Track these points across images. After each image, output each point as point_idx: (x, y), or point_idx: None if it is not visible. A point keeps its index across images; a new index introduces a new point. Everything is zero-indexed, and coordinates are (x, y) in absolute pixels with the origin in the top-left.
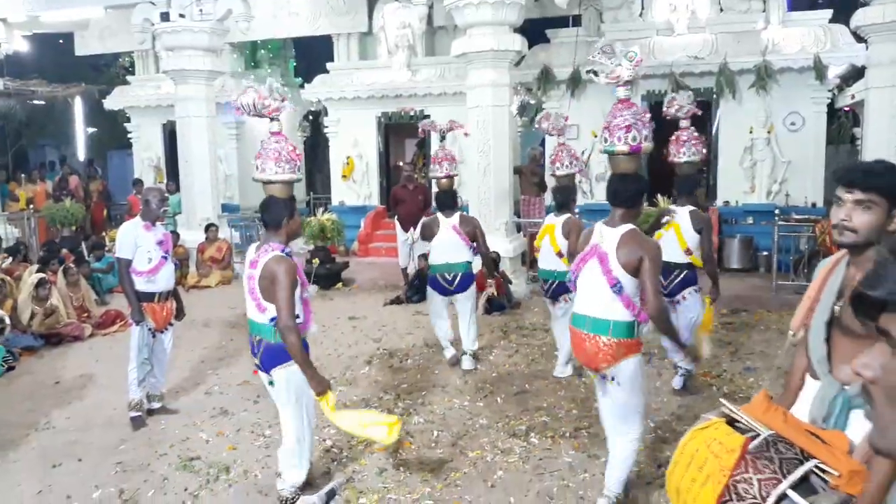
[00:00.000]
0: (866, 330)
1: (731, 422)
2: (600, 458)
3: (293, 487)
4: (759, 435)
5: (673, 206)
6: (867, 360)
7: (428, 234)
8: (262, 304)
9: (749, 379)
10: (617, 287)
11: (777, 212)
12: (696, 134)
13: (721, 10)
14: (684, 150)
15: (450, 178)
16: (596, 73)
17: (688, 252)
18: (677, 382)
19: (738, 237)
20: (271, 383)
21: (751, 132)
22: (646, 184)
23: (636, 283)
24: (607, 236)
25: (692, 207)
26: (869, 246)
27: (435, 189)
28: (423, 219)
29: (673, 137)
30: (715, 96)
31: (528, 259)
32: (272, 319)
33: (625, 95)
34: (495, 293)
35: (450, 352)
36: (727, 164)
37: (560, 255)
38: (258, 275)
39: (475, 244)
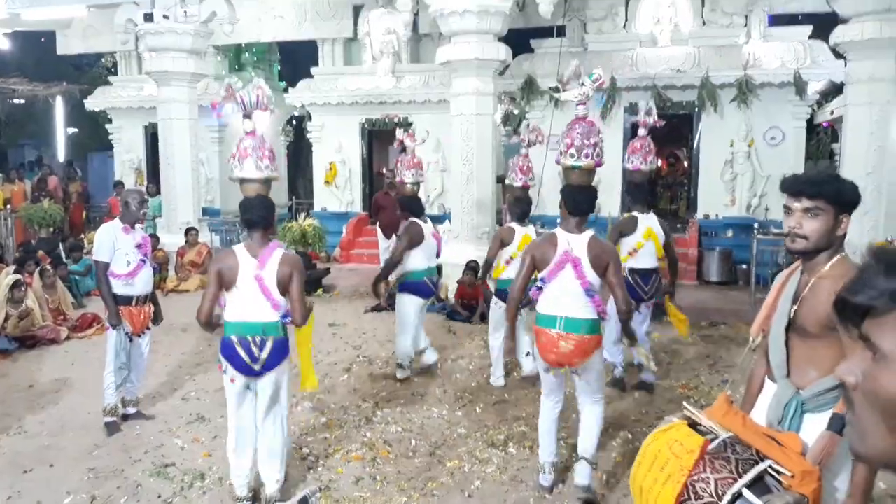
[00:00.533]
0: (850, 336)
1: (693, 424)
2: (557, 485)
3: (280, 485)
4: (718, 437)
5: (636, 214)
6: (849, 365)
7: (418, 239)
8: (278, 302)
9: (727, 392)
10: (590, 290)
11: (756, 225)
12: (650, 144)
13: (704, 23)
14: (649, 159)
15: (417, 184)
16: (558, 90)
17: (661, 259)
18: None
19: (717, 250)
20: (247, 387)
21: (731, 146)
22: (597, 194)
23: (601, 283)
24: (575, 243)
25: (655, 215)
26: (819, 252)
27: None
28: (410, 223)
29: (634, 145)
30: (697, 109)
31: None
32: (285, 315)
33: (583, 113)
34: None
35: (405, 373)
36: (708, 177)
37: None
38: (275, 272)
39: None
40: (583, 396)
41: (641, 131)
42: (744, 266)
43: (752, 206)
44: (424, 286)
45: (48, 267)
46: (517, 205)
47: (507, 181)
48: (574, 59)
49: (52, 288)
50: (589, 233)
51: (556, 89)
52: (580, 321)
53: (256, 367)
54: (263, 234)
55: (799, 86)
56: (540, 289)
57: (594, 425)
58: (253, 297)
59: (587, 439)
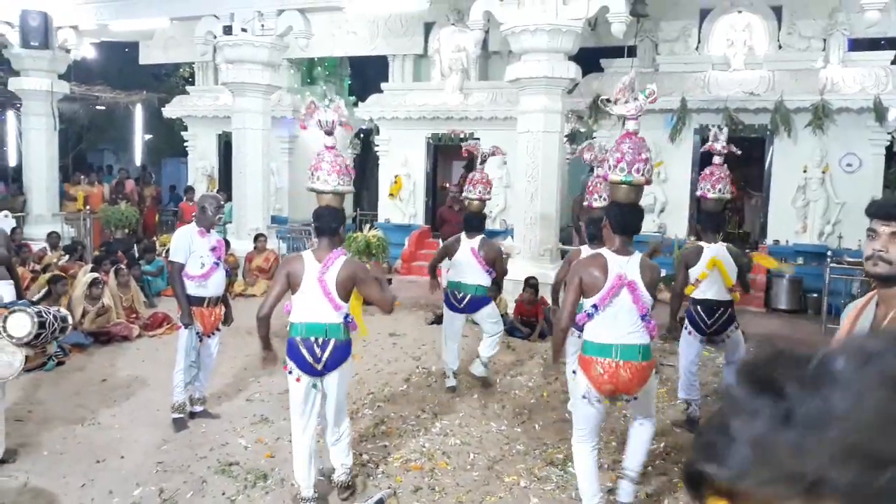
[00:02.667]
0: None
1: None
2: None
3: (350, 470)
4: None
5: (702, 243)
6: None
7: (450, 251)
8: (339, 304)
9: None
10: (647, 314)
11: (829, 253)
12: (727, 171)
13: (780, 47)
14: (719, 187)
15: (482, 201)
16: (606, 103)
17: (731, 290)
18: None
19: (786, 277)
20: (314, 386)
21: (805, 171)
22: (643, 213)
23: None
24: (627, 266)
25: (728, 244)
26: None
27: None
28: (450, 238)
29: (706, 172)
30: (769, 133)
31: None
32: (346, 316)
33: (634, 128)
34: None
35: (452, 381)
36: (779, 203)
37: None
38: (335, 276)
39: (492, 269)
40: (636, 416)
41: (716, 158)
42: (814, 295)
43: (824, 234)
44: (447, 297)
45: (123, 266)
46: (590, 226)
47: (584, 202)
48: (628, 75)
49: (126, 287)
50: (638, 254)
51: (607, 101)
52: (637, 347)
53: (319, 367)
54: (330, 241)
55: (879, 112)
56: (590, 315)
57: (644, 442)
58: (316, 299)
59: (635, 456)
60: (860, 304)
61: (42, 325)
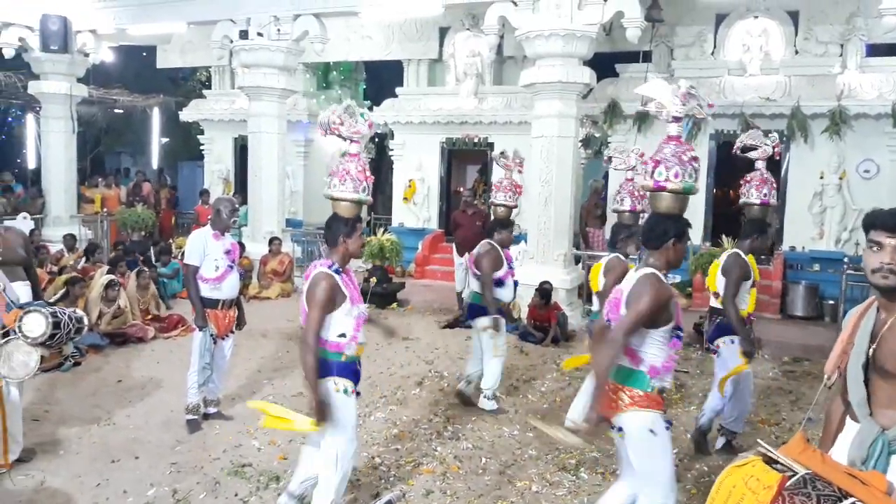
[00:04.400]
0: None
1: (769, 461)
2: None
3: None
4: (796, 473)
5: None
6: None
7: (499, 264)
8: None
9: (809, 430)
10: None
11: (846, 260)
12: (768, 176)
13: (796, 52)
14: (762, 192)
15: (507, 207)
16: (661, 107)
17: (716, 295)
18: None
19: (802, 284)
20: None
21: (821, 177)
22: (678, 225)
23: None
24: (630, 278)
25: (735, 250)
26: None
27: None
28: (487, 248)
29: (747, 178)
30: (786, 139)
31: (585, 291)
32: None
33: (676, 132)
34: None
35: (491, 405)
36: (795, 209)
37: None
38: (306, 288)
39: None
40: (626, 481)
41: (760, 164)
42: (830, 301)
43: (841, 240)
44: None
45: (145, 268)
46: (619, 232)
47: (609, 208)
48: (682, 82)
49: (146, 289)
50: (648, 270)
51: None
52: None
53: None
54: (329, 251)
55: None
56: (679, 338)
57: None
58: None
59: None
60: (861, 309)
61: (57, 325)
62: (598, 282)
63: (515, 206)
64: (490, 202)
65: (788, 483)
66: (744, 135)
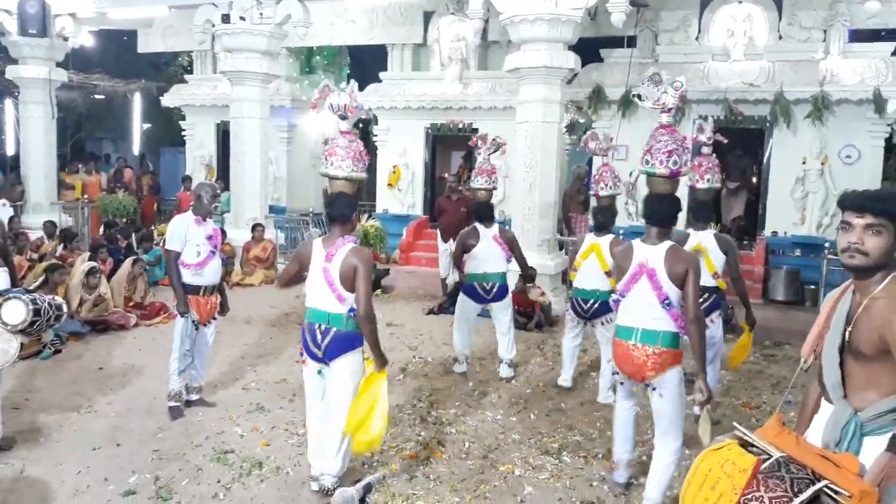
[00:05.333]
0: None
1: (745, 444)
2: (632, 482)
3: (336, 478)
4: (771, 457)
5: (689, 230)
6: None
7: (467, 244)
8: (343, 295)
9: (790, 413)
10: (667, 301)
11: (827, 245)
12: (715, 161)
13: (780, 37)
14: (707, 177)
15: (489, 190)
16: (640, 97)
17: (715, 276)
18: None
19: (784, 269)
20: (319, 372)
21: (804, 163)
22: (680, 205)
23: (680, 296)
24: (651, 254)
25: (715, 231)
26: (877, 270)
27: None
28: (463, 230)
29: (694, 163)
30: (768, 125)
31: (569, 277)
32: (351, 309)
33: (667, 121)
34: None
35: (461, 367)
36: (777, 194)
37: (609, 274)
38: (339, 266)
39: (511, 255)
40: (658, 427)
41: (706, 150)
42: (811, 286)
43: (822, 226)
44: (472, 289)
45: (142, 258)
46: (598, 214)
47: (590, 192)
48: (651, 67)
49: (134, 280)
50: (668, 243)
51: (639, 97)
52: (657, 333)
53: (319, 354)
54: (341, 229)
55: (879, 103)
56: (616, 301)
57: (658, 472)
58: (320, 287)
59: (651, 483)
60: (838, 293)
61: (37, 312)
62: (605, 260)
63: (495, 189)
64: (469, 186)
65: (763, 466)
66: (698, 124)
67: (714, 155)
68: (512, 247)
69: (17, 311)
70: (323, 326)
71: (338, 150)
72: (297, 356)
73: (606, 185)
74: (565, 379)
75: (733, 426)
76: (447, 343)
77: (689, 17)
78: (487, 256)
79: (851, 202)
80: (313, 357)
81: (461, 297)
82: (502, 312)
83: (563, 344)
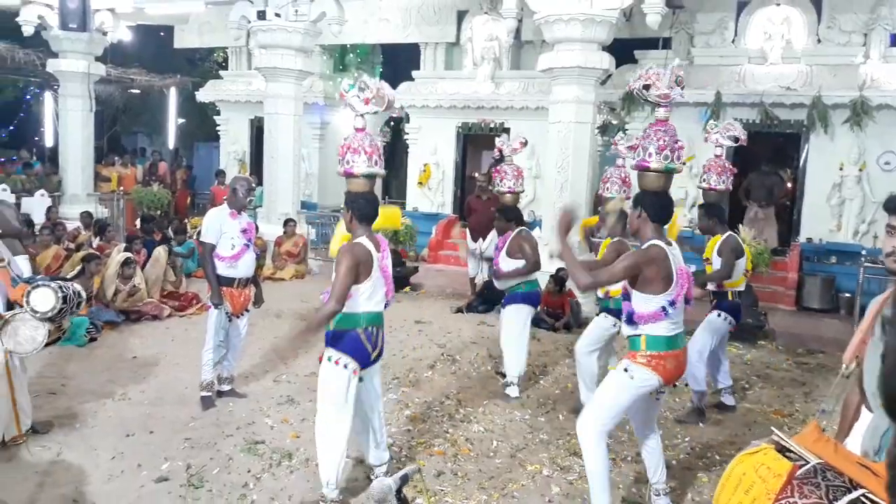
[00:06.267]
0: None
1: (781, 449)
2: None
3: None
4: (807, 462)
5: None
6: None
7: (532, 247)
8: (393, 288)
9: (823, 422)
10: (691, 300)
11: (864, 253)
12: (726, 163)
13: (818, 41)
14: (717, 178)
15: (515, 194)
16: (647, 88)
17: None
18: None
19: (819, 276)
20: (360, 379)
21: (841, 168)
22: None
23: None
24: (679, 256)
25: (730, 232)
26: None
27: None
28: (516, 234)
29: (705, 164)
30: (805, 129)
31: None
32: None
33: (664, 117)
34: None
35: (516, 390)
36: (813, 200)
37: None
38: (389, 261)
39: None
40: (651, 422)
41: (718, 150)
42: (847, 294)
43: (859, 233)
44: (536, 297)
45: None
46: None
47: (599, 192)
48: (671, 65)
49: (173, 268)
50: (675, 244)
51: (647, 87)
52: (685, 333)
53: (374, 356)
54: (369, 226)
55: None
56: (666, 312)
57: (661, 457)
58: (380, 287)
59: (660, 469)
60: (882, 298)
61: (64, 299)
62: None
63: (522, 192)
64: (496, 189)
65: (799, 472)
66: (725, 124)
67: (723, 157)
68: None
69: (46, 299)
70: (376, 328)
71: (357, 148)
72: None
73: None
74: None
75: (771, 430)
76: (475, 342)
77: (726, 19)
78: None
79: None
80: (369, 364)
81: (521, 309)
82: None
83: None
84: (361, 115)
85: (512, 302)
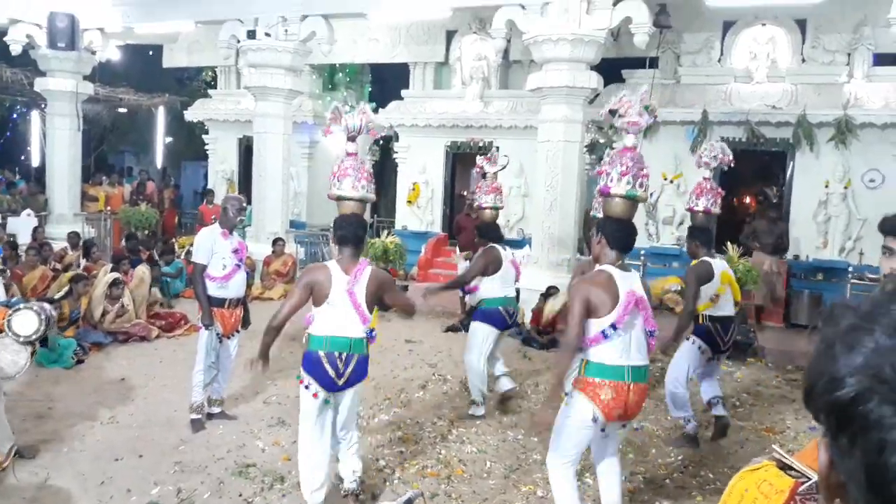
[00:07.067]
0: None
1: (783, 467)
2: (654, 502)
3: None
4: (809, 479)
5: (708, 259)
6: None
7: (496, 265)
8: (367, 317)
9: (815, 438)
10: (653, 331)
11: (850, 269)
12: (715, 186)
13: (803, 60)
14: (702, 201)
15: (496, 209)
16: (613, 114)
17: (737, 304)
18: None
19: (806, 293)
20: (326, 402)
21: (826, 186)
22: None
23: None
24: (634, 282)
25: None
26: None
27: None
28: (488, 248)
29: (695, 187)
30: (791, 147)
31: None
32: (371, 331)
33: (632, 144)
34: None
35: (480, 410)
36: (799, 218)
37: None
38: (364, 287)
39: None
40: (611, 449)
41: (707, 173)
42: None
43: (845, 250)
44: (498, 316)
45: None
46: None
47: (591, 212)
48: (624, 90)
49: (160, 289)
50: (635, 271)
51: (613, 112)
52: (643, 368)
53: (340, 383)
54: (355, 250)
55: None
56: (606, 336)
57: (620, 473)
58: (344, 313)
59: (618, 494)
60: None
61: (47, 321)
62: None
63: (502, 208)
64: (477, 206)
65: (801, 488)
66: (709, 145)
67: (710, 180)
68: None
69: (29, 322)
70: (344, 354)
71: (349, 172)
72: None
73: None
74: None
75: (771, 448)
76: None
77: (712, 38)
78: (508, 280)
79: (891, 227)
80: (330, 388)
81: (480, 326)
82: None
83: None
84: (352, 140)
85: (473, 319)
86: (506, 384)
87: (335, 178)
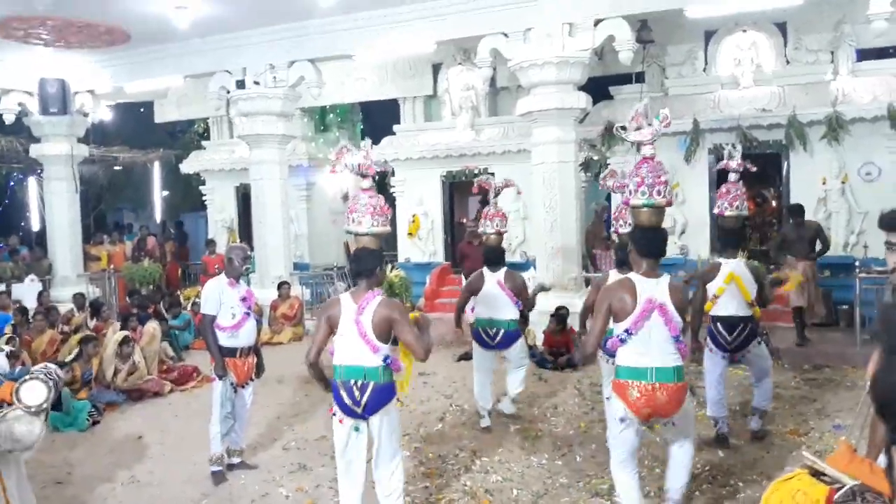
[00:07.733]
0: None
1: (815, 473)
2: None
3: None
4: (844, 486)
5: (720, 259)
6: None
7: (475, 288)
8: (377, 345)
9: (840, 437)
10: (678, 336)
11: (857, 264)
12: (743, 189)
13: (787, 62)
14: (736, 204)
15: (499, 234)
16: (621, 130)
17: (751, 304)
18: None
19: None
20: (357, 429)
21: (824, 183)
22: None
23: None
24: (656, 288)
25: (745, 259)
26: None
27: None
28: (474, 274)
29: (722, 190)
30: (784, 148)
31: None
32: (386, 358)
33: (650, 153)
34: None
35: (486, 421)
36: None
37: None
38: (371, 317)
39: (520, 300)
40: (675, 440)
41: (732, 176)
42: (845, 306)
43: (849, 244)
44: (478, 334)
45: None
46: (619, 251)
47: (612, 229)
48: (641, 102)
49: (171, 344)
50: (666, 277)
51: (622, 129)
52: (671, 369)
53: (358, 410)
54: (367, 283)
55: (894, 119)
56: (623, 340)
57: (686, 464)
58: (353, 342)
59: (676, 478)
60: None
61: (55, 385)
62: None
63: (505, 232)
64: (481, 231)
65: (836, 496)
66: (727, 151)
67: (741, 182)
68: (519, 292)
69: (38, 392)
70: (359, 382)
71: (360, 208)
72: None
73: (626, 223)
74: None
75: (801, 455)
76: None
77: (695, 48)
78: (493, 302)
79: (888, 223)
80: (351, 414)
81: (474, 346)
82: (515, 355)
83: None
84: (366, 176)
85: None
86: (506, 407)
87: (348, 214)
